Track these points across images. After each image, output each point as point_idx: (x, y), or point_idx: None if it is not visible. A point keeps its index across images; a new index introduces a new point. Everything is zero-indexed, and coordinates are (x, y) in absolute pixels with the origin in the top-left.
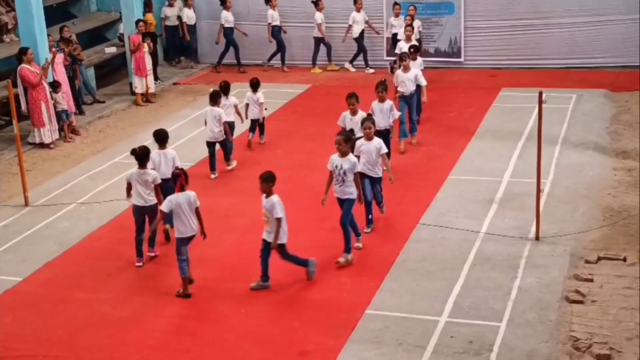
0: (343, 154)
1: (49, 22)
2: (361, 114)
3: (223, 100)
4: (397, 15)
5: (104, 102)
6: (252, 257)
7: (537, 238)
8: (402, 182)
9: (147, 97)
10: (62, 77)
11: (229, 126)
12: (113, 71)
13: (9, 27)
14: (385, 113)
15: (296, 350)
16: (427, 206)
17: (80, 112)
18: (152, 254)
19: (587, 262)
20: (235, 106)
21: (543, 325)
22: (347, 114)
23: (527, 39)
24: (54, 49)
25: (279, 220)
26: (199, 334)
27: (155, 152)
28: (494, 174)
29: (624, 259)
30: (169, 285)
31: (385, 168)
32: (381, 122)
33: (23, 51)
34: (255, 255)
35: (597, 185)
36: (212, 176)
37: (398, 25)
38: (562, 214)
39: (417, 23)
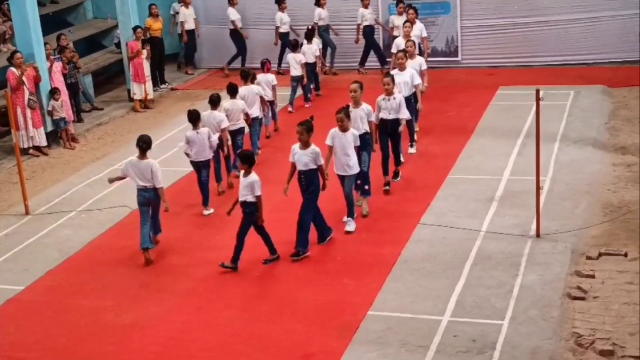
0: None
1: (46, 31)
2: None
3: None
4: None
5: (102, 109)
6: (253, 259)
7: (537, 235)
8: (402, 182)
9: (145, 103)
10: (60, 85)
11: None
12: (111, 78)
13: (6, 36)
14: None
15: (300, 353)
16: (428, 206)
17: (78, 119)
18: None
19: (589, 258)
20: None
21: (546, 322)
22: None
23: (524, 37)
24: (51, 57)
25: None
26: (203, 339)
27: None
28: (494, 172)
29: (625, 255)
30: (172, 291)
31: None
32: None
33: (12, 55)
34: (256, 258)
35: (597, 181)
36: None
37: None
38: (563, 210)
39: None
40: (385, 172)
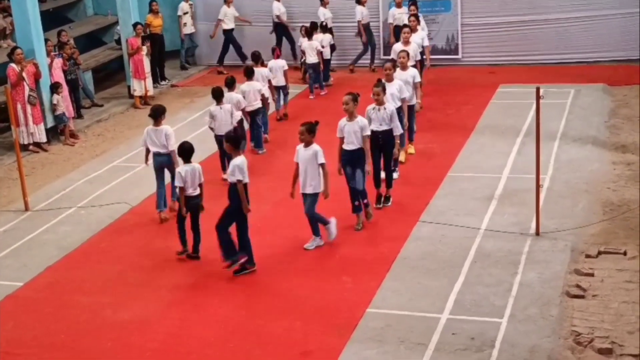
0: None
1: (46, 27)
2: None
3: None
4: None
5: (102, 105)
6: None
7: (537, 233)
8: (401, 180)
9: (145, 100)
10: (60, 81)
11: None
12: (111, 74)
13: (7, 32)
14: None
15: (298, 350)
16: (427, 204)
17: (78, 116)
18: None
19: (588, 256)
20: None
21: (544, 320)
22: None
23: (524, 35)
24: (52, 54)
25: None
26: (201, 336)
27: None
28: (494, 170)
29: (624, 253)
30: (171, 287)
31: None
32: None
33: (13, 51)
34: (256, 255)
35: (597, 179)
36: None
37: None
38: (562, 209)
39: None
40: (377, 184)
